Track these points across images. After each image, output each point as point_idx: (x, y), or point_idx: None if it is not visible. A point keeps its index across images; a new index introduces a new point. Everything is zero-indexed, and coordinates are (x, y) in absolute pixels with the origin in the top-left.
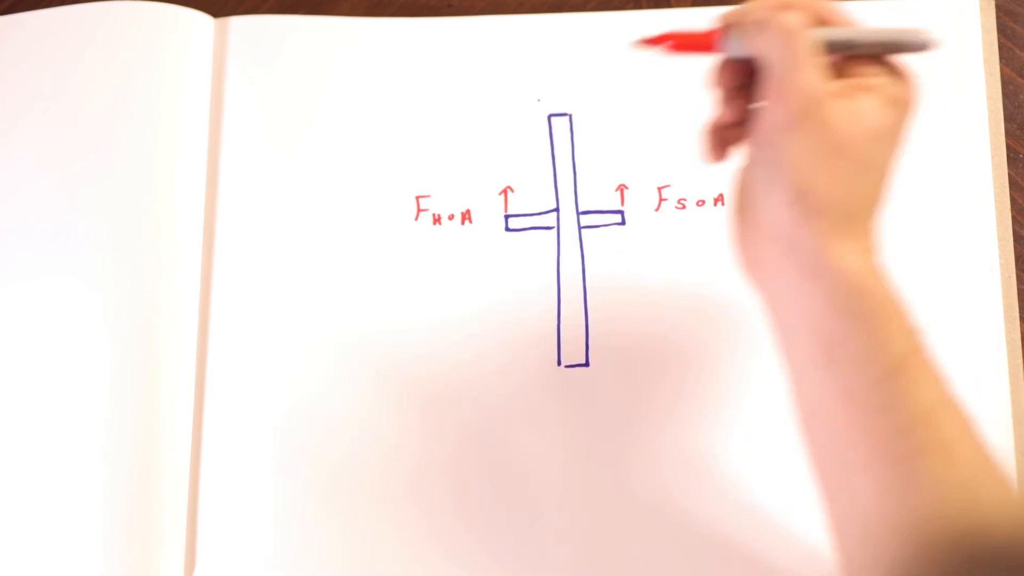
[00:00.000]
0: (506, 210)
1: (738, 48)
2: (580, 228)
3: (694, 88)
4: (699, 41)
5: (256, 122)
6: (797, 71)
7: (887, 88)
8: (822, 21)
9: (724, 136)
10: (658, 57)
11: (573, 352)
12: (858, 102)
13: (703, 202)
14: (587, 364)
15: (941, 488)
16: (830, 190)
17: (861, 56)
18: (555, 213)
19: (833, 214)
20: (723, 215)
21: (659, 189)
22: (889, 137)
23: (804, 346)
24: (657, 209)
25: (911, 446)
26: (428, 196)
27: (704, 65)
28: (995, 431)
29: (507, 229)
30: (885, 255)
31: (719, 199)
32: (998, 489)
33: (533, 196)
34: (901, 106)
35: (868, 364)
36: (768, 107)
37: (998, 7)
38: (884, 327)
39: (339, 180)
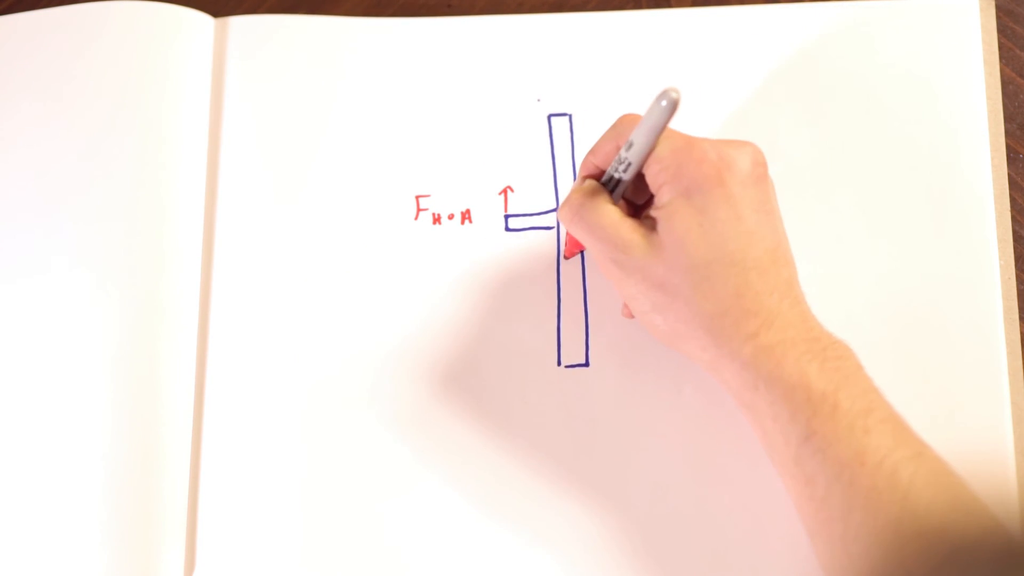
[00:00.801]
0: (506, 210)
1: None
2: None
3: (694, 88)
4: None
5: (256, 122)
6: (596, 248)
7: (675, 190)
8: (603, 161)
9: None
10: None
11: (573, 352)
12: (656, 230)
13: None
14: (587, 364)
15: (873, 537)
16: (684, 316)
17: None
18: (555, 213)
19: (700, 330)
20: None
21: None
22: (702, 234)
23: (744, 415)
24: None
25: (836, 507)
26: (428, 196)
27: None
28: (995, 431)
29: (507, 229)
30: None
31: None
32: (935, 505)
33: (533, 196)
34: (699, 192)
35: (784, 447)
36: (605, 273)
37: (998, 7)
38: (782, 412)
39: (339, 179)
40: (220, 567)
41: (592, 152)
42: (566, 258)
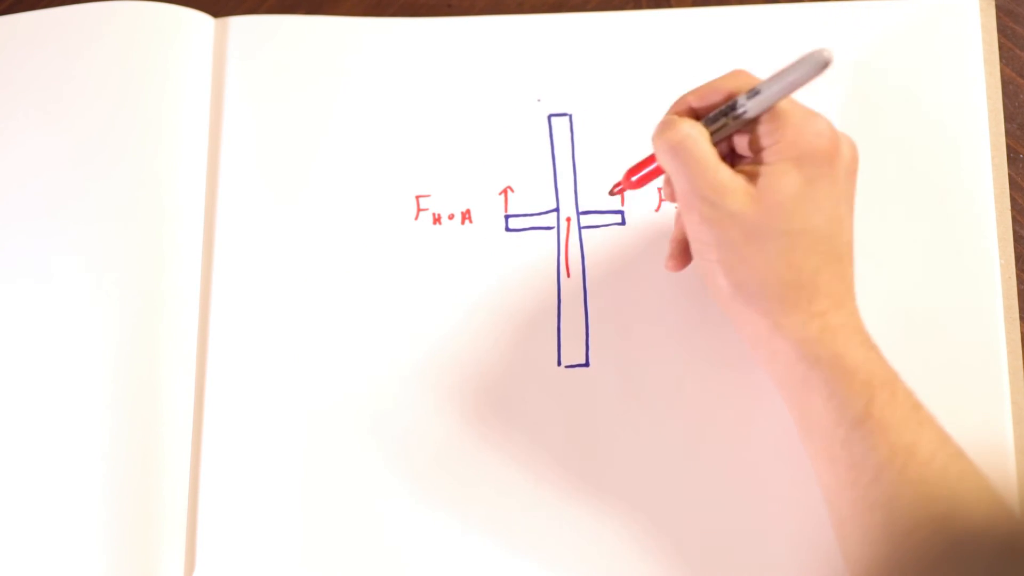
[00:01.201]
0: (506, 210)
1: None
2: (580, 228)
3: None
4: (649, 166)
5: (256, 122)
6: (694, 179)
7: (786, 154)
8: (702, 106)
9: (684, 246)
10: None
11: (573, 352)
12: (756, 185)
13: None
14: (587, 364)
15: (919, 527)
16: (760, 276)
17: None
18: (555, 213)
19: (772, 295)
20: None
21: (659, 189)
22: (802, 203)
23: (784, 395)
24: (657, 209)
25: (883, 494)
26: (428, 196)
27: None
28: (995, 431)
29: (507, 229)
30: (848, 309)
31: None
32: (980, 504)
33: (533, 196)
34: (811, 164)
35: (833, 427)
36: (684, 212)
37: (998, 7)
38: (839, 391)
39: (339, 179)
40: (220, 567)
41: (695, 94)
42: (613, 193)
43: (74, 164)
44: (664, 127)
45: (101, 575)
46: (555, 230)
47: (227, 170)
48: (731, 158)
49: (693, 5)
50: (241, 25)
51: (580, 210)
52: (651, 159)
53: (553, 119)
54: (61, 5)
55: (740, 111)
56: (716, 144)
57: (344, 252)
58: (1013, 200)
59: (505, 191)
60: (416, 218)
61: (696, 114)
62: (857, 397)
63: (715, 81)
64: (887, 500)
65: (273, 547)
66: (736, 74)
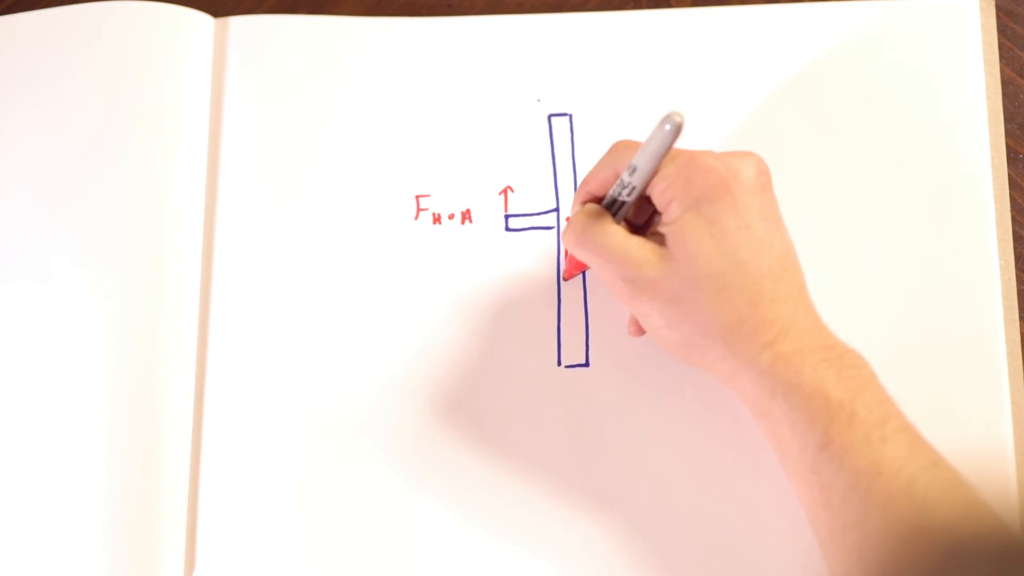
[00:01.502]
0: (506, 210)
1: None
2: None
3: (693, 88)
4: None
5: (256, 122)
6: (607, 263)
7: (682, 204)
8: (600, 188)
9: None
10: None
11: (573, 352)
12: (666, 244)
13: None
14: (587, 364)
15: (889, 546)
16: (701, 327)
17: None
18: (555, 213)
19: (718, 340)
20: None
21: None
22: (713, 245)
23: (758, 424)
24: None
25: (852, 516)
26: (428, 196)
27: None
28: (995, 431)
29: (507, 229)
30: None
31: None
32: (952, 512)
33: (533, 196)
34: (708, 204)
35: (800, 453)
36: (613, 293)
37: (998, 7)
38: (799, 419)
39: (339, 179)
40: (220, 567)
41: (586, 182)
42: (565, 279)
43: (74, 164)
44: (568, 227)
45: (101, 575)
46: (555, 230)
47: (227, 170)
48: (648, 223)
49: (693, 5)
50: (241, 25)
51: None
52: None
53: (553, 119)
54: (61, 5)
55: (629, 188)
56: (630, 217)
57: (344, 252)
58: (1013, 200)
59: (505, 191)
60: (416, 218)
61: (598, 198)
62: (816, 423)
63: (600, 162)
64: (857, 521)
65: (273, 547)
66: (617, 147)
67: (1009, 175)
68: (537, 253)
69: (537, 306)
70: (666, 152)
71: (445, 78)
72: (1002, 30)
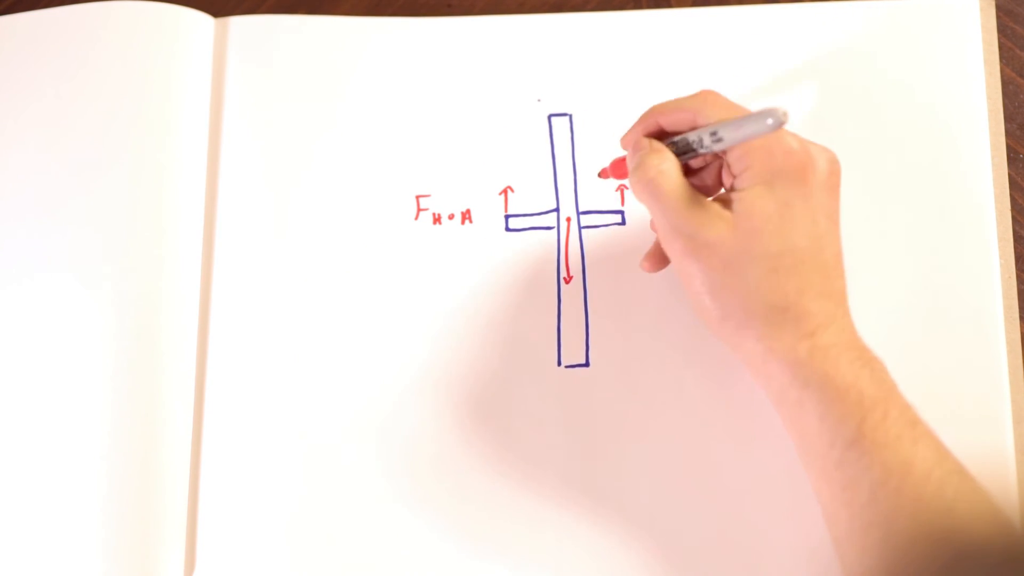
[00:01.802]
0: (506, 210)
1: None
2: (580, 228)
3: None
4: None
5: (256, 122)
6: (669, 214)
7: (758, 178)
8: (664, 120)
9: (660, 250)
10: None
11: (573, 352)
12: (731, 212)
13: None
14: (587, 364)
15: (916, 545)
16: (745, 302)
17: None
18: (555, 213)
19: (759, 320)
20: None
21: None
22: (779, 225)
23: (780, 414)
24: None
25: (879, 514)
26: (428, 196)
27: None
28: (995, 431)
29: (507, 229)
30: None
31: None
32: (979, 520)
33: (533, 196)
34: (784, 185)
35: (827, 448)
36: (665, 245)
37: (998, 7)
38: (831, 412)
39: (339, 179)
40: (220, 567)
41: (660, 112)
42: (600, 177)
43: (74, 164)
44: (638, 166)
45: (101, 575)
46: (555, 230)
47: (227, 170)
48: (712, 184)
49: (693, 5)
50: (241, 25)
51: (580, 210)
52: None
53: (553, 119)
54: (61, 5)
55: (706, 148)
56: (692, 171)
57: (344, 252)
58: (1013, 200)
59: (505, 191)
60: (416, 218)
61: (663, 133)
62: (849, 418)
63: (684, 100)
64: (883, 520)
65: (273, 547)
66: (705, 96)
67: (1009, 175)
68: (537, 253)
69: (537, 306)
70: (758, 137)
71: (445, 78)
72: (1002, 30)
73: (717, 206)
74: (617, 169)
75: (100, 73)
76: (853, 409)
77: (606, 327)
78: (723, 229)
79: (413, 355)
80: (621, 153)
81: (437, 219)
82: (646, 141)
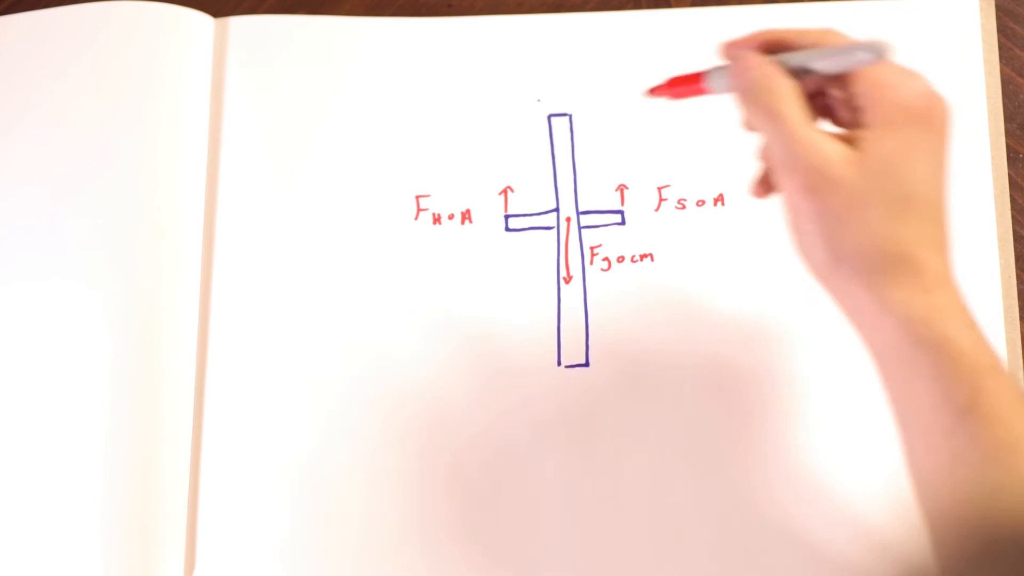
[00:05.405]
0: (506, 210)
1: (723, 88)
2: (580, 228)
3: None
4: (692, 85)
5: (256, 122)
6: (792, 145)
7: (886, 116)
8: (776, 42)
9: (769, 177)
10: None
11: (573, 352)
12: (857, 150)
13: (703, 202)
14: (587, 364)
15: (1019, 524)
16: (863, 247)
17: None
18: (555, 213)
19: (876, 268)
20: (723, 215)
21: (659, 189)
22: (905, 167)
23: (883, 373)
24: (657, 209)
25: (985, 487)
26: (428, 196)
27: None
28: None
29: (507, 229)
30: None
31: (719, 199)
32: None
33: (533, 196)
34: (911, 127)
35: (935, 414)
36: (781, 177)
37: (998, 7)
38: (945, 377)
39: (339, 179)
40: (220, 567)
41: (777, 32)
42: (652, 95)
43: (74, 164)
44: (757, 85)
45: (101, 575)
46: (555, 230)
47: (227, 170)
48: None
49: (693, 5)
50: (241, 25)
51: (580, 210)
52: (696, 80)
53: (553, 119)
54: (61, 5)
55: (816, 73)
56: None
57: (344, 252)
58: (1013, 200)
59: (505, 191)
60: (416, 218)
61: (772, 46)
62: (964, 384)
63: (807, 31)
64: (987, 496)
65: (273, 547)
66: (831, 33)
67: (1009, 175)
68: (537, 253)
69: (537, 306)
70: (849, 69)
71: (445, 78)
72: (1002, 30)
73: (842, 143)
74: (678, 86)
75: (100, 73)
76: (969, 376)
77: (606, 327)
78: (849, 167)
79: (413, 355)
80: (666, 98)
81: (437, 219)
82: (760, 57)
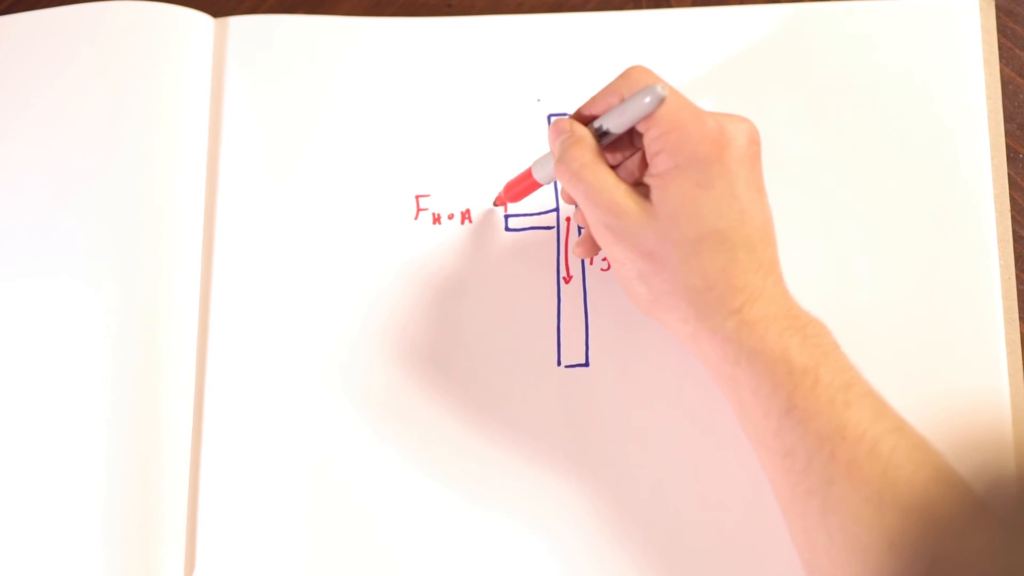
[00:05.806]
0: (506, 210)
1: (546, 178)
2: (580, 228)
3: (693, 88)
4: (524, 183)
5: (256, 122)
6: (595, 208)
7: (672, 161)
8: (588, 115)
9: (592, 238)
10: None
11: (573, 352)
12: (647, 203)
13: None
14: (587, 364)
15: (853, 509)
16: (671, 287)
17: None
18: (555, 213)
19: (685, 303)
20: None
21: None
22: (696, 209)
23: (720, 389)
24: None
25: (815, 480)
26: (428, 196)
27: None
28: (995, 431)
29: (507, 229)
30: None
31: None
32: (916, 476)
33: (533, 196)
34: (698, 168)
35: (763, 419)
36: (594, 234)
37: (998, 7)
38: (763, 385)
39: (339, 179)
40: (220, 567)
41: (592, 104)
42: (507, 201)
43: (73, 164)
44: (561, 157)
45: (101, 575)
46: (555, 230)
47: (227, 170)
48: (639, 171)
49: (693, 5)
50: (241, 25)
51: None
52: (527, 175)
53: (553, 119)
54: (61, 5)
55: (614, 135)
56: (619, 159)
57: (344, 252)
58: (1013, 200)
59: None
60: (416, 218)
61: (592, 118)
62: (780, 388)
63: (610, 86)
64: (821, 486)
65: (273, 547)
66: (632, 75)
67: (1009, 175)
68: (537, 253)
69: (537, 306)
70: (639, 120)
71: (444, 78)
72: (1002, 30)
73: (637, 196)
74: (514, 188)
75: (100, 73)
76: (783, 380)
77: (606, 327)
78: (643, 218)
79: (413, 356)
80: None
81: (437, 219)
82: (567, 124)
